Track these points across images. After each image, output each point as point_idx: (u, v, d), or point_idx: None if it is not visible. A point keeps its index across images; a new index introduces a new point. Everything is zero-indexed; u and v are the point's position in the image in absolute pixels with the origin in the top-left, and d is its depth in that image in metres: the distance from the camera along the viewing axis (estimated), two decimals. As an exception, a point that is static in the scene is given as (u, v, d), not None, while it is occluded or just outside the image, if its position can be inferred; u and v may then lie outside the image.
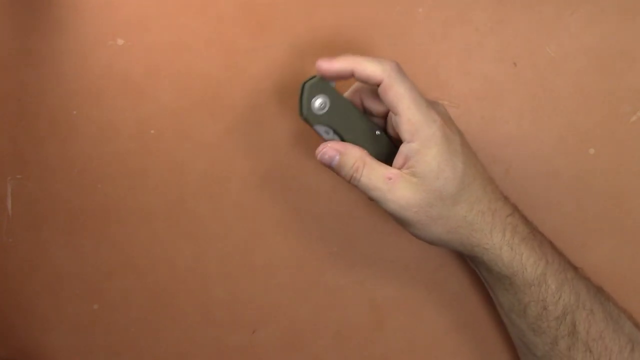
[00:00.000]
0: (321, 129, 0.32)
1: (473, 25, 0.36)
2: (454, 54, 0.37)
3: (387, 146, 0.33)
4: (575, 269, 0.32)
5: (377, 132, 0.33)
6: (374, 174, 0.31)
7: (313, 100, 0.31)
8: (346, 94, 0.34)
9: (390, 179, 0.30)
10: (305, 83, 0.31)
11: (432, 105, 0.31)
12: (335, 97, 0.32)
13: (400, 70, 0.30)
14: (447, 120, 0.31)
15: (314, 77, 0.31)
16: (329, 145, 0.31)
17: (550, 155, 0.36)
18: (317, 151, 0.32)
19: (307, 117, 0.31)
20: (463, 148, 0.31)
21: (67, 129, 0.40)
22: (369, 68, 0.30)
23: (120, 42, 0.39)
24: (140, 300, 0.41)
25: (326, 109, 0.31)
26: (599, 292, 0.32)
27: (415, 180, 0.30)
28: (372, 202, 0.33)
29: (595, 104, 0.36)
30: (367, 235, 0.39)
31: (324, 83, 0.31)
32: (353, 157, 0.31)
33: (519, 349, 0.35)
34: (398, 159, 0.31)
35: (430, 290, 0.39)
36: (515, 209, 0.32)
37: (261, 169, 0.39)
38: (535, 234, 0.31)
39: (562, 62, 0.36)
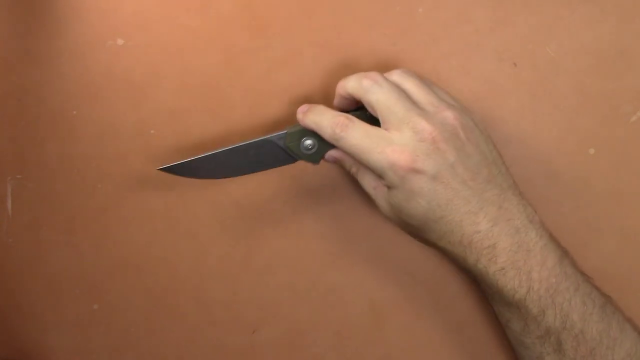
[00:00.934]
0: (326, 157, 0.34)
1: (473, 25, 0.36)
2: (454, 54, 0.37)
3: None
4: (575, 288, 0.30)
5: (367, 113, 0.33)
6: (365, 180, 0.33)
7: (302, 142, 0.33)
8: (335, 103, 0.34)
9: (374, 188, 0.33)
10: (287, 132, 0.34)
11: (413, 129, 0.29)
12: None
13: (341, 124, 0.31)
14: (425, 150, 0.29)
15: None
16: (329, 153, 0.34)
17: (550, 155, 0.36)
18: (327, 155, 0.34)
19: (304, 159, 0.34)
20: (434, 184, 0.29)
21: (67, 129, 0.40)
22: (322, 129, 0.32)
23: (120, 42, 0.39)
24: (140, 300, 0.41)
25: (316, 146, 0.33)
26: (604, 306, 0.30)
27: (389, 204, 0.32)
28: (372, 201, 0.34)
29: (595, 104, 0.36)
30: (367, 235, 0.39)
31: (301, 128, 0.33)
32: (347, 163, 0.34)
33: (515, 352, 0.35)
34: None
35: (430, 290, 0.39)
36: (499, 240, 0.30)
37: (261, 169, 0.39)
38: (524, 260, 0.30)
39: (562, 62, 0.36)
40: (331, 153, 0.34)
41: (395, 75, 0.32)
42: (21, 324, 0.42)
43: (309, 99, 0.37)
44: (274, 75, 0.38)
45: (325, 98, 0.37)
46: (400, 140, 0.29)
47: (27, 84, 0.40)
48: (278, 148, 0.34)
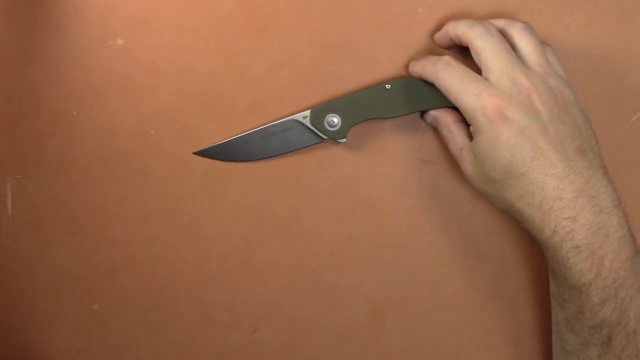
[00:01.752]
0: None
1: (473, 25, 0.36)
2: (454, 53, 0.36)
3: (409, 90, 0.35)
4: (639, 288, 0.29)
5: (387, 86, 0.35)
6: (452, 142, 0.34)
7: (325, 119, 0.35)
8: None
9: (461, 149, 0.33)
10: (311, 110, 0.36)
11: (506, 74, 0.30)
12: (341, 103, 0.35)
13: (445, 62, 0.32)
14: (520, 102, 0.29)
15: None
16: (429, 112, 0.35)
17: (550, 155, 0.36)
18: (426, 115, 0.36)
19: (329, 136, 0.36)
20: (522, 138, 0.29)
21: (67, 129, 0.40)
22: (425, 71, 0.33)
23: (120, 42, 0.39)
24: (140, 300, 0.41)
25: (340, 123, 0.35)
26: None
27: (474, 157, 0.32)
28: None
29: (595, 104, 0.36)
30: (367, 235, 0.39)
31: (323, 105, 0.36)
32: (441, 124, 0.35)
33: (553, 332, 0.34)
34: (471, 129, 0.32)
35: (430, 290, 0.39)
36: (581, 214, 0.29)
37: (261, 168, 0.39)
38: (600, 244, 0.29)
39: (562, 62, 0.36)
40: (431, 112, 0.35)
41: (516, 29, 0.32)
42: (21, 324, 0.42)
43: (309, 99, 0.37)
44: (274, 75, 0.38)
45: (325, 98, 0.37)
46: (497, 88, 0.30)
47: (27, 84, 0.40)
48: (304, 127, 0.36)
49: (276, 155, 0.38)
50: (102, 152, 0.40)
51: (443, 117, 0.35)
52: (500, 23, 0.33)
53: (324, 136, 0.36)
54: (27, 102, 0.40)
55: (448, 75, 0.31)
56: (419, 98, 0.35)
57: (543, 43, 0.33)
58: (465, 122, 0.34)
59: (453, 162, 0.37)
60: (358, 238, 0.39)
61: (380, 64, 0.37)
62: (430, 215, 0.38)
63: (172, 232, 0.40)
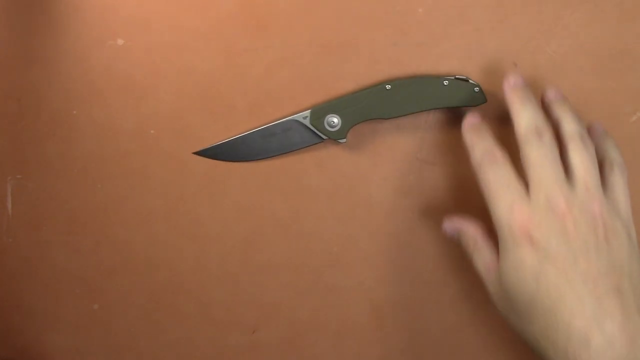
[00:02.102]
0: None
1: (473, 25, 0.36)
2: (454, 54, 0.36)
3: (409, 90, 0.35)
4: None
5: (387, 86, 0.35)
6: (479, 259, 0.31)
7: (325, 119, 0.35)
8: None
9: (488, 269, 0.30)
10: (311, 111, 0.36)
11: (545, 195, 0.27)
12: (341, 104, 0.35)
13: (493, 156, 0.29)
14: (551, 225, 0.27)
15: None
16: (452, 220, 0.33)
17: (550, 155, 0.36)
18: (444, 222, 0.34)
19: (329, 137, 0.36)
20: (548, 266, 0.26)
21: (67, 129, 0.40)
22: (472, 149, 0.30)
23: (120, 42, 0.39)
24: (140, 300, 0.41)
25: (340, 124, 0.35)
26: None
27: (499, 281, 0.29)
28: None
29: (595, 104, 0.36)
30: (367, 235, 0.39)
31: (323, 105, 0.36)
32: (466, 237, 0.32)
33: None
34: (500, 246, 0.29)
35: (430, 290, 0.39)
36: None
37: (261, 168, 0.39)
38: None
39: (562, 62, 0.36)
40: (454, 224, 0.33)
41: (574, 142, 0.29)
42: (21, 323, 0.42)
43: (309, 99, 0.37)
44: (274, 75, 0.38)
45: (325, 98, 0.37)
46: (531, 204, 0.28)
47: (27, 84, 0.40)
48: (304, 127, 0.36)
49: (276, 155, 0.38)
50: (102, 152, 0.40)
51: (470, 230, 0.32)
52: (566, 127, 0.30)
53: (324, 136, 0.36)
54: (27, 102, 0.40)
55: (490, 172, 0.29)
56: (419, 98, 0.35)
57: (616, 162, 0.30)
58: (491, 234, 0.32)
59: (453, 162, 0.37)
60: (358, 238, 0.39)
61: (380, 64, 0.37)
62: (430, 215, 0.38)
63: (172, 232, 0.40)
